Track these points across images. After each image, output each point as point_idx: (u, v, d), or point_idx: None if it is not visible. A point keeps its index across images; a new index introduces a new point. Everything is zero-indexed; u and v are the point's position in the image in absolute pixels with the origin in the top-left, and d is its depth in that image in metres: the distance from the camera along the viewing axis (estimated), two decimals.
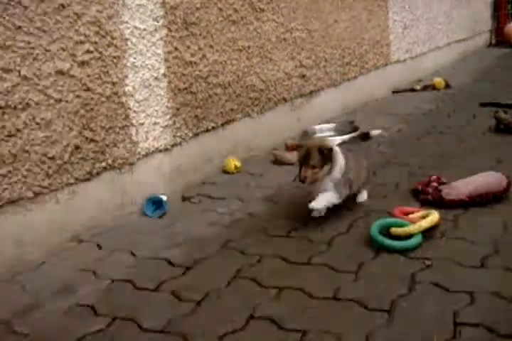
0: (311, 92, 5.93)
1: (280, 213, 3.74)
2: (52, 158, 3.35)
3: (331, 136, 5.16)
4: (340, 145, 3.61)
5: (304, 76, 5.76)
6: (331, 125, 5.46)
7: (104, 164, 3.67)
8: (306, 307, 2.65)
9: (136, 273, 3.07)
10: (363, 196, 3.83)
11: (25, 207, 3.25)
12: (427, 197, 3.72)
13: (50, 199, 3.38)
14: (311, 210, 3.51)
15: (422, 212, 3.39)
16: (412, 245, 3.10)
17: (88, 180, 3.59)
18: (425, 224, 3.19)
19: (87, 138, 3.54)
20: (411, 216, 3.37)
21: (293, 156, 4.74)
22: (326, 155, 3.30)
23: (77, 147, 3.49)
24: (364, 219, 3.52)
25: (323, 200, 3.40)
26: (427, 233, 3.21)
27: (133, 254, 3.29)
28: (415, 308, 2.58)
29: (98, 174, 3.65)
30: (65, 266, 3.21)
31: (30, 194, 3.26)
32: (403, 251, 3.07)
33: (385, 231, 3.23)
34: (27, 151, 3.23)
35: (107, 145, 3.68)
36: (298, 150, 3.43)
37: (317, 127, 5.39)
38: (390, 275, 2.87)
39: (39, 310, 2.80)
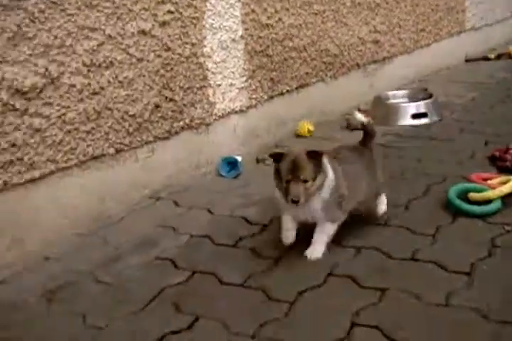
0: (384, 58, 5.86)
1: None
2: (133, 116, 3.42)
3: (405, 102, 5.10)
4: (333, 153, 2.91)
5: (377, 42, 5.68)
6: (404, 91, 5.40)
7: (182, 123, 3.72)
8: (385, 266, 2.67)
9: (214, 230, 3.13)
10: (383, 205, 3.13)
11: (107, 164, 3.34)
12: (505, 164, 3.66)
13: (130, 157, 3.46)
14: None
15: (500, 178, 3.34)
16: (491, 210, 3.07)
17: (167, 138, 3.66)
18: (506, 189, 3.15)
19: (166, 97, 3.60)
20: (489, 182, 3.33)
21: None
22: (318, 163, 2.62)
23: (156, 106, 3.55)
24: (440, 184, 3.49)
25: (321, 245, 2.79)
26: (507, 199, 3.16)
27: (210, 212, 3.35)
28: (496, 272, 2.56)
29: (176, 133, 3.71)
30: (145, 221, 3.30)
31: (111, 151, 3.35)
32: (482, 216, 3.05)
33: (463, 195, 3.20)
34: (110, 109, 3.30)
35: (185, 105, 3.73)
36: (280, 161, 2.66)
37: (390, 93, 5.33)
38: (469, 239, 2.85)
39: (121, 262, 2.90)
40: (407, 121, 4.80)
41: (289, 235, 2.80)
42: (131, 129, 3.42)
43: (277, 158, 2.67)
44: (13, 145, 2.90)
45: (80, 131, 3.17)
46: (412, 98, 5.18)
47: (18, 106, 2.89)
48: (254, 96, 4.26)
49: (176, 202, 3.52)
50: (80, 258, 2.96)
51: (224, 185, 3.73)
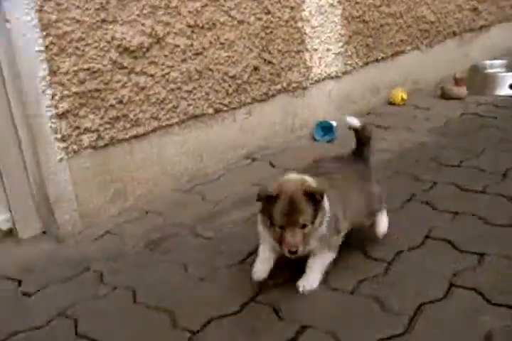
0: (481, 27, 5.71)
1: (450, 144, 3.71)
2: (232, 77, 3.48)
3: (502, 72, 4.98)
4: (322, 167, 2.48)
5: (475, 9, 5.54)
6: (503, 61, 5.25)
7: (279, 86, 3.77)
8: (483, 232, 2.65)
9: None
10: (383, 225, 2.62)
11: (206, 124, 3.43)
12: None
13: (228, 117, 3.54)
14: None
15: None
16: None
17: (264, 101, 3.71)
18: None
19: (265, 60, 3.64)
20: None
21: (462, 91, 4.65)
22: (318, 202, 2.14)
23: (255, 68, 3.60)
24: None
25: (318, 275, 2.33)
26: None
27: None
28: None
29: (273, 96, 3.76)
30: (242, 180, 3.38)
31: (211, 111, 3.43)
32: None
33: None
34: (211, 69, 3.37)
35: (283, 69, 3.77)
36: (275, 199, 2.12)
37: (487, 62, 5.20)
38: None
39: (220, 218, 2.99)
40: (505, 91, 4.69)
41: (262, 269, 2.33)
42: (230, 90, 3.48)
43: (267, 198, 2.14)
44: (120, 102, 3.01)
45: (182, 90, 3.25)
46: (511, 68, 5.05)
47: (125, 64, 3.00)
48: (349, 62, 4.26)
49: (271, 163, 3.58)
50: (180, 212, 3.06)
51: (318, 149, 3.76)
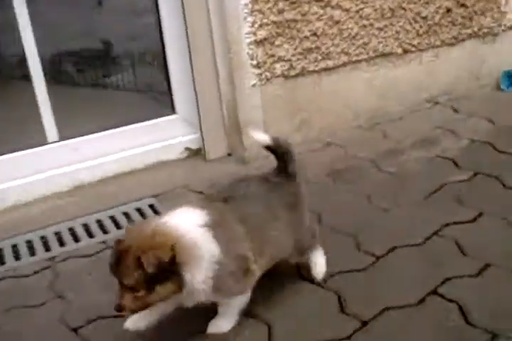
0: None
1: None
2: (424, 18, 3.43)
3: None
4: (226, 194, 1.97)
5: None
6: None
7: (469, 31, 3.66)
8: None
9: (496, 138, 3.11)
10: (319, 266, 2.16)
11: (393, 63, 3.42)
12: None
13: (415, 58, 3.50)
14: None
15: None
16: None
17: (452, 44, 3.62)
18: None
19: (458, 2, 3.54)
20: None
21: None
22: (163, 267, 1.64)
23: (448, 10, 3.51)
24: None
25: (230, 318, 1.95)
26: None
27: (491, 121, 3.32)
28: None
29: (462, 40, 3.66)
30: (423, 122, 3.37)
31: (399, 51, 3.40)
32: None
33: None
34: (403, 8, 3.33)
35: (475, 12, 3.65)
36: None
37: None
38: None
39: (402, 156, 3.02)
40: None
41: (136, 318, 1.87)
42: (420, 31, 3.43)
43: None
44: (314, 34, 3.07)
45: (373, 27, 3.25)
46: None
47: None
48: None
49: (454, 108, 3.52)
50: (362, 147, 3.11)
51: (504, 98, 3.65)
